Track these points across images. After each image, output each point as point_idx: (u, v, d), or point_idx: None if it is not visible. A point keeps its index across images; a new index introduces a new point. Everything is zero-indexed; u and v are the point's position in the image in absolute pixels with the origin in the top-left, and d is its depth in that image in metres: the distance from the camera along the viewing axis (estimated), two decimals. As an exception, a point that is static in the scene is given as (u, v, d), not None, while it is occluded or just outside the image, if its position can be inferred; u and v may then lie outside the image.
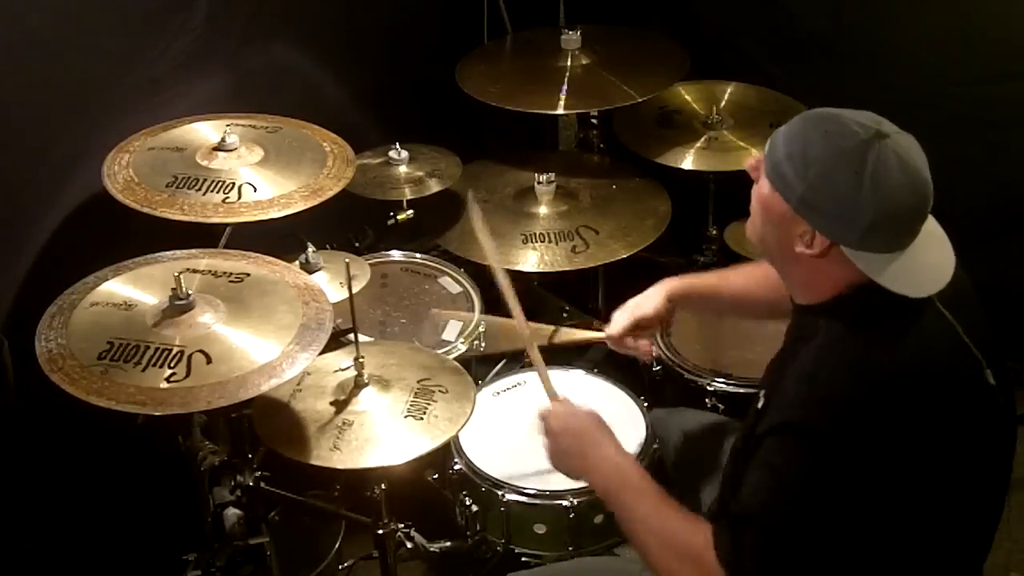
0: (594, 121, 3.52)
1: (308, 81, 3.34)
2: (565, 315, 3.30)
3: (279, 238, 2.63)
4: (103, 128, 2.70)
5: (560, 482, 2.52)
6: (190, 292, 2.13)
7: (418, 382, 2.31)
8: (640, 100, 3.15)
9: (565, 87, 3.18)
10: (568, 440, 2.01)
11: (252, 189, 2.50)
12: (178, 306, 2.12)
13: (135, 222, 2.41)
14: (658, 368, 2.89)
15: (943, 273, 1.75)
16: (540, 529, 2.54)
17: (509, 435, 2.69)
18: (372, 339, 2.77)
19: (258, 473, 2.60)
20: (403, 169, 3.12)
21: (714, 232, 3.35)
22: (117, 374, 1.99)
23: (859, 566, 1.69)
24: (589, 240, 3.01)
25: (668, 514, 1.81)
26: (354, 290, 2.25)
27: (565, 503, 2.50)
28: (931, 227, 1.76)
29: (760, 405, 1.81)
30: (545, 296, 3.34)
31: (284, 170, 2.59)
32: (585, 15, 3.48)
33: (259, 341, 2.10)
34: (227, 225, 2.54)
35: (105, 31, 2.72)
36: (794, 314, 1.89)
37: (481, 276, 3.06)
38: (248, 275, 2.28)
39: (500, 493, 2.53)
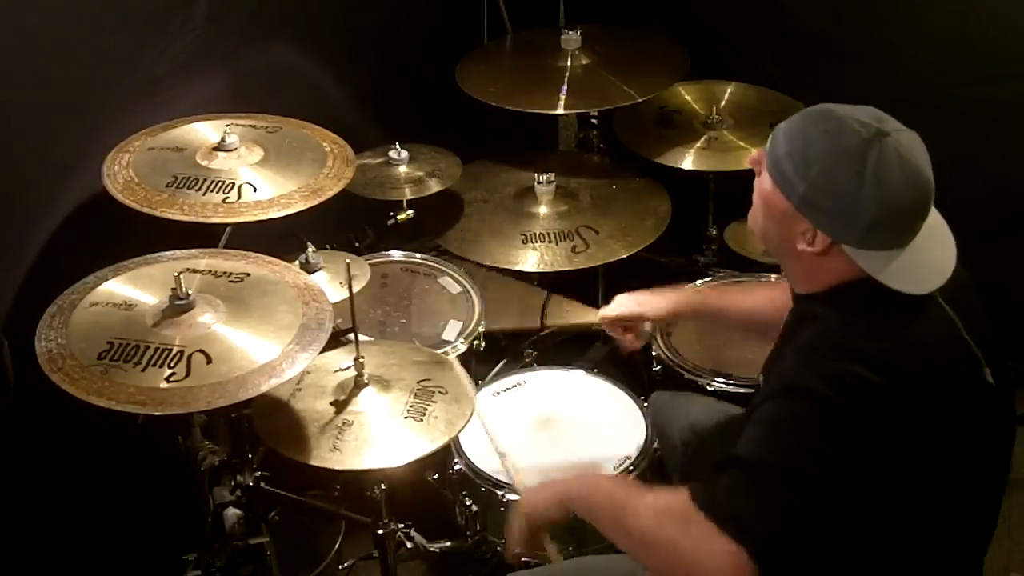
0: (594, 121, 3.52)
1: (308, 81, 3.34)
2: (565, 315, 3.30)
3: (279, 238, 2.63)
4: (103, 128, 2.70)
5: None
6: (190, 292, 2.13)
7: (418, 383, 2.31)
8: (640, 100, 3.15)
9: (565, 87, 3.18)
10: (538, 494, 2.01)
11: (252, 189, 2.50)
12: (178, 306, 2.12)
13: (135, 222, 2.41)
14: (658, 368, 2.89)
15: (944, 268, 1.75)
16: (540, 529, 2.54)
17: (509, 435, 2.69)
18: (372, 339, 2.77)
19: (258, 473, 2.60)
20: (403, 169, 3.12)
21: (714, 232, 3.35)
22: (117, 374, 1.99)
23: (838, 539, 1.67)
24: (589, 240, 3.01)
25: (646, 492, 1.78)
26: (354, 290, 2.24)
27: (565, 503, 2.49)
28: (932, 220, 1.76)
29: (759, 383, 1.82)
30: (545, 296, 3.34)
31: (284, 170, 2.58)
32: (585, 15, 3.48)
33: (259, 341, 2.10)
34: (227, 225, 2.54)
35: (105, 31, 2.71)
36: (794, 302, 1.89)
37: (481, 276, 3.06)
38: (248, 275, 2.28)
39: (500, 493, 2.53)
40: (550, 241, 3.01)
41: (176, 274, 2.13)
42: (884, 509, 1.68)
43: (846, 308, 1.75)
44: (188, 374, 2.00)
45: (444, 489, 2.70)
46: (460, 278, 3.07)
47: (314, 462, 2.14)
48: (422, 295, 3.05)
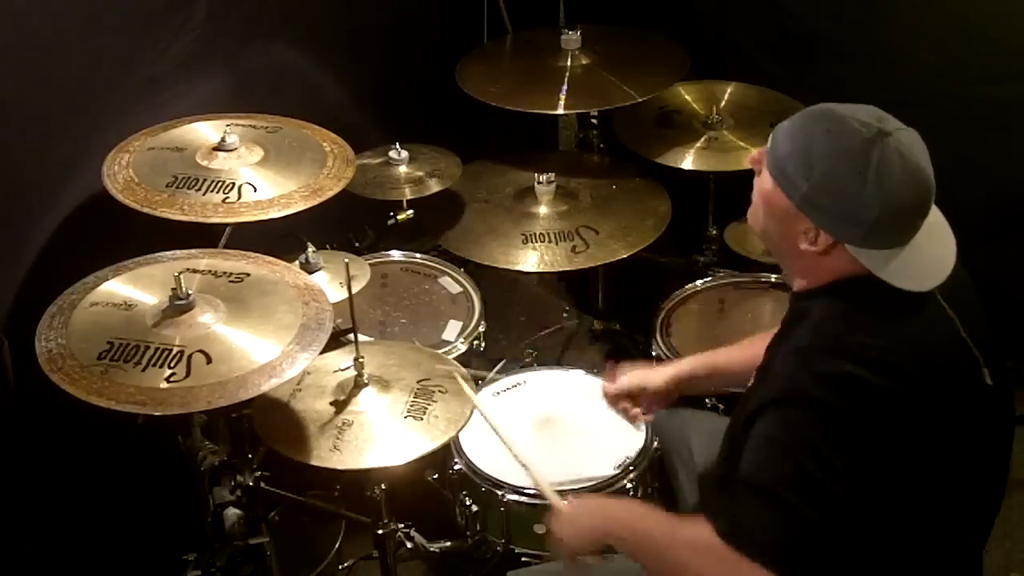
0: (594, 121, 3.52)
1: (308, 81, 3.34)
2: (565, 315, 3.31)
3: (279, 238, 2.63)
4: (103, 128, 2.70)
5: (560, 482, 2.53)
6: (190, 292, 2.13)
7: (418, 382, 2.31)
8: (640, 100, 3.15)
9: (565, 87, 3.18)
10: (578, 525, 2.01)
11: (252, 189, 2.50)
12: (178, 306, 2.12)
13: (135, 222, 2.41)
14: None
15: (944, 266, 1.76)
16: (540, 529, 2.54)
17: (509, 435, 2.69)
18: (372, 339, 2.78)
19: (258, 473, 2.60)
20: (403, 169, 3.12)
21: (714, 232, 3.34)
22: (117, 374, 1.99)
23: (848, 542, 1.68)
24: (589, 240, 3.01)
25: (679, 527, 1.82)
26: (354, 290, 2.25)
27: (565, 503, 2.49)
28: (933, 218, 1.76)
29: (751, 383, 1.82)
30: (545, 296, 3.34)
31: (284, 170, 2.59)
32: (585, 15, 3.48)
33: (259, 341, 2.10)
34: (227, 225, 2.54)
35: (105, 31, 2.71)
36: (791, 301, 1.89)
37: (481, 276, 3.06)
38: (248, 275, 2.28)
39: (500, 493, 2.53)
40: (550, 241, 3.01)
41: (176, 274, 2.13)
42: (887, 507, 1.68)
43: (843, 301, 1.75)
44: (188, 374, 2.00)
45: (444, 489, 2.70)
46: (460, 278, 3.07)
47: (314, 462, 2.14)
48: (422, 295, 3.05)
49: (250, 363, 2.04)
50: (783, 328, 1.87)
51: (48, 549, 2.71)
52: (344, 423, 2.20)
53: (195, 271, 2.26)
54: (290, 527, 2.83)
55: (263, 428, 2.23)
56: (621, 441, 2.62)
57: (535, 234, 3.03)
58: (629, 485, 2.54)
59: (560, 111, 3.23)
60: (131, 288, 2.21)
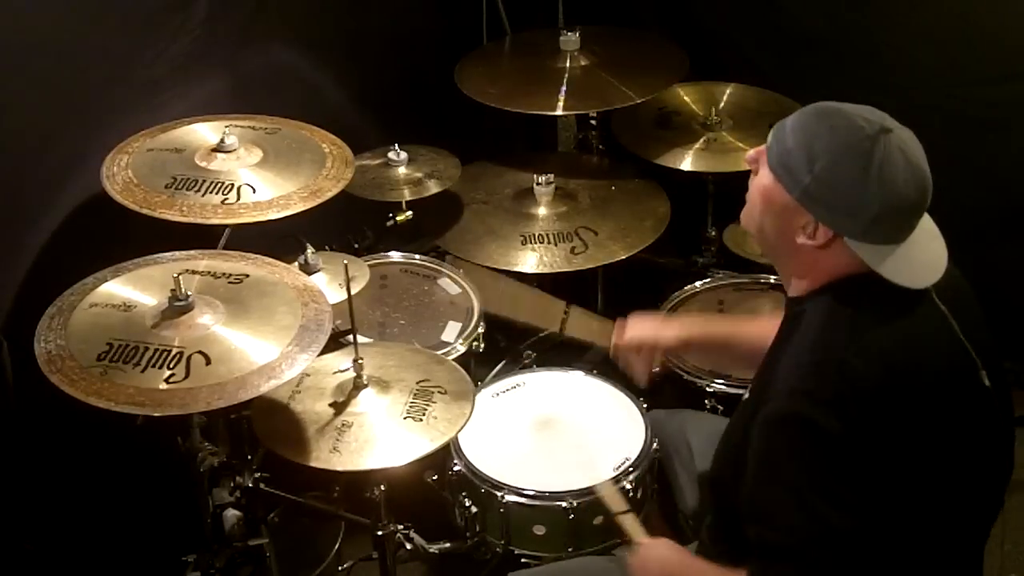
0: (593, 122, 3.52)
1: (307, 82, 3.34)
2: (564, 316, 3.30)
3: (278, 239, 2.63)
4: (102, 129, 2.70)
5: (559, 483, 2.53)
6: (189, 293, 2.13)
7: (417, 383, 2.31)
8: (639, 101, 3.16)
9: (564, 88, 3.19)
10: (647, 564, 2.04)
11: (251, 190, 2.50)
12: (177, 307, 2.12)
13: (134, 223, 2.41)
14: (656, 369, 2.88)
15: (939, 264, 1.76)
16: (539, 530, 2.54)
17: (508, 436, 2.69)
18: (371, 340, 2.78)
19: (257, 474, 2.60)
20: (402, 170, 3.12)
21: (713, 233, 3.35)
22: (116, 375, 1.99)
23: (861, 558, 1.69)
24: (588, 241, 3.01)
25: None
26: (353, 291, 2.25)
27: (564, 504, 2.50)
28: (924, 222, 1.77)
29: (745, 397, 1.82)
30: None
31: (283, 171, 2.59)
32: (584, 16, 3.48)
33: (258, 342, 2.10)
34: (226, 226, 2.54)
35: (104, 32, 2.71)
36: (786, 306, 1.89)
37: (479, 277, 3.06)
38: (247, 276, 2.28)
39: (499, 494, 2.53)
40: (549, 242, 3.01)
41: (175, 275, 2.13)
42: (892, 517, 1.68)
43: (840, 305, 1.75)
44: (187, 375, 2.00)
45: (443, 490, 2.70)
46: (459, 279, 3.07)
47: (313, 463, 2.14)
48: (421, 296, 3.05)
49: (249, 364, 2.04)
50: (781, 334, 1.87)
51: (48, 549, 2.71)
52: (343, 424, 2.20)
53: (194, 272, 2.26)
54: (290, 528, 2.82)
55: (262, 429, 2.23)
56: (621, 442, 2.63)
57: (534, 235, 3.04)
58: (629, 486, 2.54)
59: (559, 112, 3.23)
60: (130, 289, 2.21)
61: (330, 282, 2.57)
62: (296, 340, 2.11)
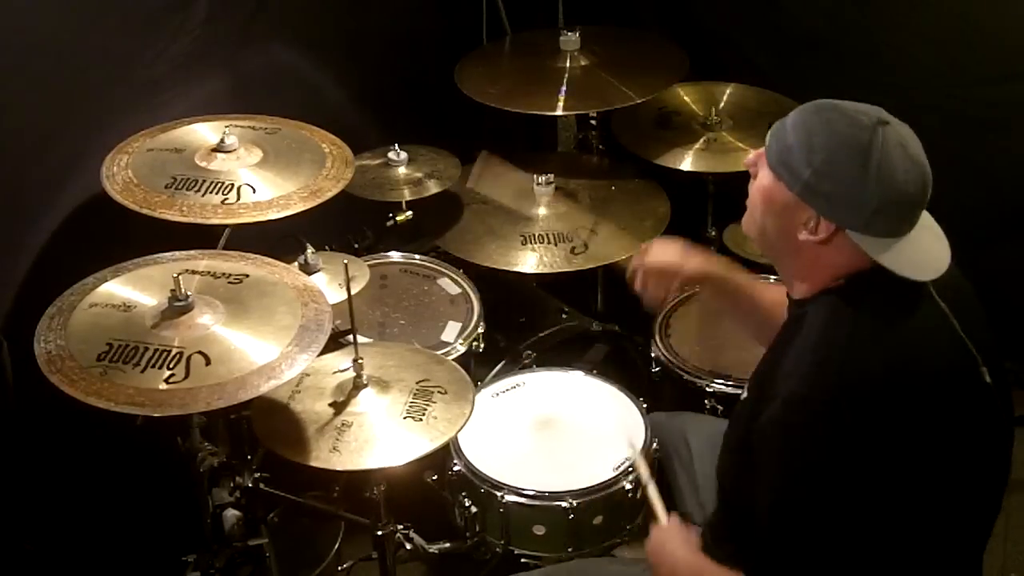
0: (593, 122, 3.52)
1: (307, 82, 3.34)
2: (564, 316, 3.30)
3: (278, 239, 2.63)
4: (102, 129, 2.70)
5: (559, 483, 2.53)
6: (189, 293, 2.13)
7: (417, 383, 2.31)
8: (639, 101, 3.15)
9: (564, 88, 3.18)
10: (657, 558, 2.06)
11: (251, 190, 2.50)
12: (177, 307, 2.12)
13: (134, 223, 2.41)
14: (657, 369, 2.89)
15: (941, 260, 1.76)
16: (539, 530, 2.54)
17: (508, 436, 2.69)
18: (371, 340, 2.78)
19: (257, 474, 2.60)
20: (402, 170, 3.12)
21: (713, 233, 3.35)
22: (116, 375, 1.99)
23: (854, 557, 1.70)
24: (588, 241, 3.01)
25: None
26: (353, 291, 2.25)
27: (564, 504, 2.50)
28: (927, 220, 1.77)
29: (744, 396, 1.82)
30: (544, 297, 3.34)
31: (283, 171, 2.59)
32: (584, 16, 3.48)
33: (258, 342, 2.10)
34: (226, 226, 2.54)
35: (104, 32, 2.71)
36: (789, 308, 1.89)
37: (480, 278, 3.06)
38: (247, 276, 2.28)
39: (499, 494, 2.53)
40: (549, 242, 3.01)
41: (175, 275, 2.13)
42: (895, 516, 1.69)
43: (841, 304, 1.75)
44: (187, 375, 2.00)
45: (443, 490, 2.70)
46: (459, 279, 3.07)
47: (313, 463, 2.14)
48: (421, 296, 3.05)
49: (249, 364, 2.04)
50: (782, 335, 1.87)
51: (48, 549, 2.71)
52: (343, 424, 2.20)
53: (194, 272, 2.26)
54: (289, 528, 2.82)
55: (262, 429, 2.23)
56: (620, 443, 2.62)
57: (534, 235, 3.04)
58: (628, 487, 2.54)
59: (559, 112, 3.23)
60: (130, 289, 2.21)
61: (330, 282, 2.57)
62: (296, 340, 2.11)
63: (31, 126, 2.62)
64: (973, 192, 3.05)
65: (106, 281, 2.24)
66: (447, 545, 2.69)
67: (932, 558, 1.79)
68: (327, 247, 2.84)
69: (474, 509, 2.59)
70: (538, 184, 3.13)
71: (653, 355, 2.92)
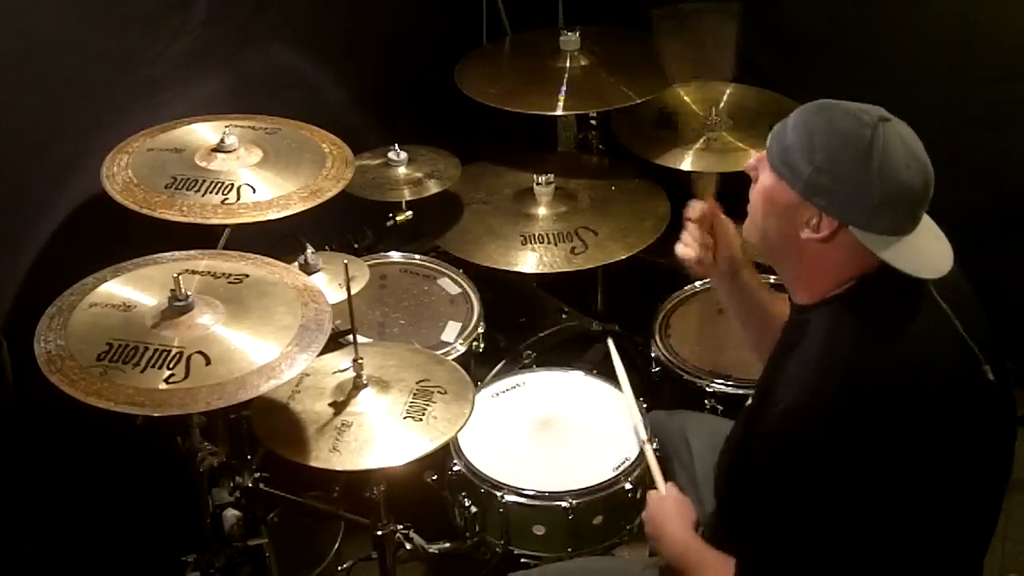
0: (593, 122, 3.52)
1: (307, 82, 3.34)
2: (564, 316, 3.30)
3: (278, 239, 2.63)
4: (102, 129, 2.70)
5: (559, 483, 2.53)
6: (189, 293, 2.13)
7: (417, 383, 2.31)
8: (639, 101, 3.16)
9: (564, 88, 3.18)
10: (652, 526, 2.11)
11: (251, 190, 2.50)
12: (177, 307, 2.12)
13: (134, 223, 2.41)
14: (657, 369, 2.89)
15: (944, 260, 1.76)
16: (539, 530, 2.54)
17: (508, 436, 2.69)
18: (371, 340, 2.78)
19: (257, 474, 2.60)
20: (402, 170, 3.12)
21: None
22: (116, 375, 1.99)
23: (859, 566, 1.70)
24: (588, 241, 3.01)
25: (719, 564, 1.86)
26: (353, 291, 2.25)
27: (564, 504, 2.50)
28: (928, 223, 1.77)
29: (748, 403, 1.82)
30: (544, 297, 3.34)
31: (283, 171, 2.59)
32: (584, 16, 3.48)
33: (258, 342, 2.10)
34: (226, 226, 2.54)
35: (104, 32, 2.71)
36: (791, 314, 1.89)
37: (479, 278, 3.06)
38: (247, 276, 2.28)
39: (499, 494, 2.53)
40: (549, 242, 3.01)
41: (175, 275, 2.13)
42: (891, 517, 1.69)
43: (843, 313, 1.74)
44: (187, 375, 2.00)
45: (443, 490, 2.70)
46: (459, 279, 3.07)
47: (313, 463, 2.14)
48: (421, 296, 3.05)
49: (249, 364, 2.04)
50: (784, 340, 1.87)
51: (48, 549, 2.71)
52: (343, 424, 2.20)
53: (194, 272, 2.26)
54: (289, 528, 2.82)
55: (262, 429, 2.23)
56: (620, 443, 2.63)
57: (534, 235, 3.04)
58: (628, 487, 2.54)
59: (559, 112, 3.23)
60: (130, 289, 2.21)
61: (330, 282, 2.57)
62: (296, 340, 2.11)
63: (31, 126, 2.62)
64: (973, 192, 3.05)
65: (106, 281, 2.24)
66: (447, 545, 2.69)
67: (934, 560, 1.79)
68: (327, 247, 2.84)
69: (474, 509, 2.59)
70: (538, 184, 3.13)
71: (653, 355, 2.92)
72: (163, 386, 1.98)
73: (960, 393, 1.76)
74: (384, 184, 3.08)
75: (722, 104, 3.36)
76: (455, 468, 2.62)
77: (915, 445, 1.68)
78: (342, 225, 3.19)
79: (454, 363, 2.46)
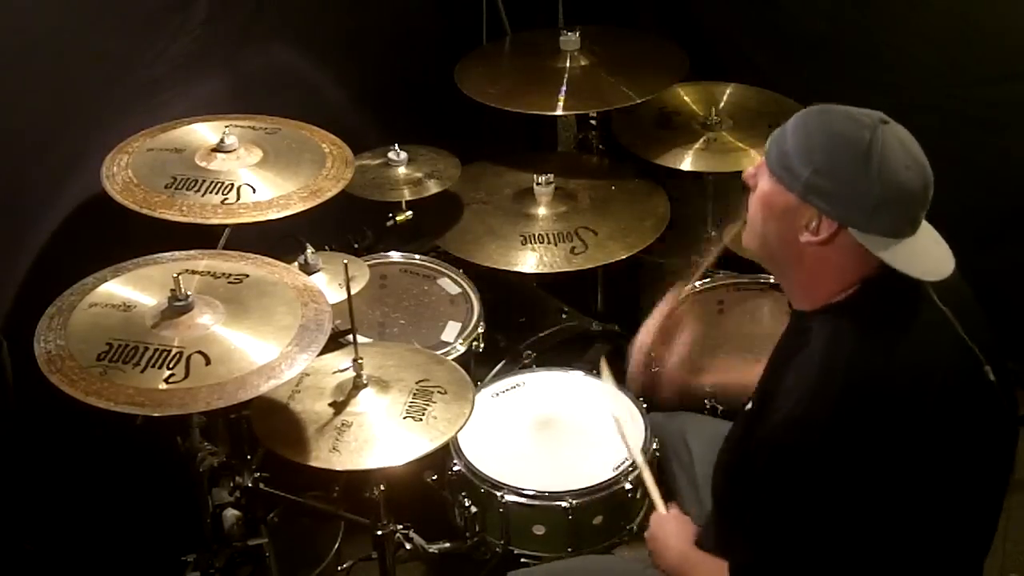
0: (593, 122, 3.52)
1: (307, 82, 3.34)
2: (564, 316, 3.30)
3: (278, 239, 2.63)
4: (102, 129, 2.70)
5: (559, 483, 2.53)
6: (189, 293, 2.13)
7: (417, 383, 2.31)
8: (639, 101, 3.16)
9: (564, 88, 3.18)
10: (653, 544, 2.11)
11: (251, 190, 2.50)
12: (177, 307, 2.12)
13: (134, 223, 2.41)
14: (656, 369, 2.88)
15: (945, 262, 1.76)
16: (539, 530, 2.55)
17: (508, 436, 2.69)
18: (371, 340, 2.78)
19: (257, 474, 2.60)
20: (402, 170, 3.12)
21: (713, 233, 3.34)
22: (116, 375, 1.99)
23: (857, 570, 1.70)
24: (588, 241, 3.01)
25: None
26: (353, 291, 2.25)
27: (564, 504, 2.50)
28: (928, 228, 1.77)
29: (747, 408, 1.82)
30: (544, 297, 3.34)
31: (283, 171, 2.59)
32: (584, 16, 3.48)
33: (258, 342, 2.10)
34: (226, 226, 2.54)
35: (104, 32, 2.71)
36: (791, 319, 1.89)
37: (479, 278, 3.06)
38: (247, 276, 2.28)
39: (499, 494, 2.53)
40: (549, 242, 3.01)
41: (175, 275, 2.13)
42: (890, 522, 1.69)
43: (844, 321, 1.74)
44: (187, 375, 2.00)
45: (443, 490, 2.70)
46: (459, 279, 3.07)
47: (313, 463, 2.14)
48: (421, 296, 3.05)
49: (249, 364, 2.04)
50: (785, 346, 1.86)
51: (48, 549, 2.71)
52: (343, 424, 2.20)
53: (194, 272, 2.26)
54: (289, 528, 2.82)
55: (262, 429, 2.23)
56: (620, 443, 2.62)
57: (534, 235, 3.04)
58: (628, 487, 2.54)
59: (559, 112, 3.23)
60: (130, 289, 2.21)
61: (330, 282, 2.57)
62: (296, 340, 2.11)
63: (31, 126, 2.62)
64: (973, 192, 3.05)
65: (106, 281, 2.24)
66: (447, 545, 2.69)
67: (934, 563, 1.79)
68: (327, 247, 2.84)
69: (474, 509, 2.59)
70: (538, 184, 3.13)
71: (653, 355, 2.91)
72: (163, 386, 1.98)
73: (961, 395, 1.76)
74: (384, 184, 3.08)
75: (722, 104, 3.37)
76: (455, 468, 2.62)
77: (915, 450, 1.68)
78: (342, 225, 3.19)
79: (454, 363, 2.46)
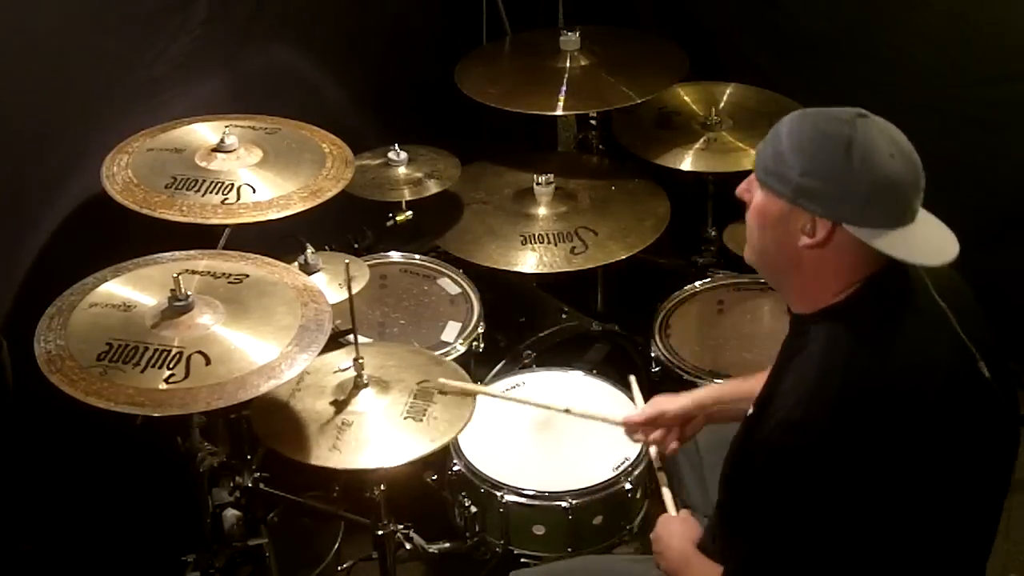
0: (593, 122, 3.52)
1: (307, 82, 3.34)
2: (564, 316, 3.30)
3: (278, 239, 2.63)
4: (102, 129, 2.70)
5: (559, 483, 2.53)
6: (189, 293, 2.13)
7: (417, 384, 2.31)
8: (639, 101, 3.16)
9: (564, 88, 3.18)
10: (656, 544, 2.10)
11: (251, 190, 2.51)
12: (177, 307, 2.12)
13: (134, 223, 2.41)
14: (657, 369, 2.89)
15: (948, 246, 1.73)
16: (539, 530, 2.55)
17: (508, 436, 2.69)
18: (371, 340, 2.78)
19: (257, 474, 2.60)
20: (402, 170, 3.12)
21: (713, 233, 3.34)
22: (116, 375, 1.99)
23: (855, 573, 1.70)
24: (588, 241, 3.01)
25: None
26: (353, 291, 2.25)
27: (564, 504, 2.50)
28: (928, 215, 1.76)
29: (750, 412, 1.82)
30: (544, 297, 3.34)
31: (283, 171, 2.59)
32: (584, 16, 3.49)
33: (258, 342, 2.10)
34: (226, 226, 2.54)
35: (104, 32, 2.72)
36: (791, 325, 1.89)
37: (479, 278, 3.06)
38: (247, 276, 2.28)
39: (499, 494, 2.53)
40: (549, 242, 3.01)
41: (175, 275, 2.13)
42: (889, 527, 1.69)
43: (842, 326, 1.73)
44: (187, 375, 2.00)
45: (443, 490, 2.70)
46: (459, 279, 3.07)
47: (313, 462, 2.14)
48: (421, 296, 3.05)
49: (249, 364, 2.04)
50: (784, 352, 1.86)
51: (48, 549, 2.71)
52: (343, 424, 2.20)
53: (194, 272, 2.26)
54: (289, 528, 2.82)
55: (262, 429, 2.23)
56: (620, 443, 2.62)
57: (534, 235, 3.04)
58: (628, 486, 2.54)
59: (559, 112, 3.23)
60: (130, 289, 2.21)
61: (330, 282, 2.57)
62: (296, 340, 2.11)
63: (31, 126, 2.62)
64: (973, 192, 3.05)
65: (106, 281, 2.24)
66: (447, 545, 2.69)
67: (934, 565, 1.79)
68: (327, 247, 2.84)
69: (474, 509, 2.59)
70: (538, 184, 3.13)
71: (653, 355, 2.92)
72: (163, 386, 1.98)
73: (957, 392, 1.75)
74: (384, 184, 3.08)
75: (722, 104, 3.37)
76: (455, 468, 2.62)
77: (914, 452, 1.68)
78: (342, 225, 3.19)
79: (454, 363, 2.46)
